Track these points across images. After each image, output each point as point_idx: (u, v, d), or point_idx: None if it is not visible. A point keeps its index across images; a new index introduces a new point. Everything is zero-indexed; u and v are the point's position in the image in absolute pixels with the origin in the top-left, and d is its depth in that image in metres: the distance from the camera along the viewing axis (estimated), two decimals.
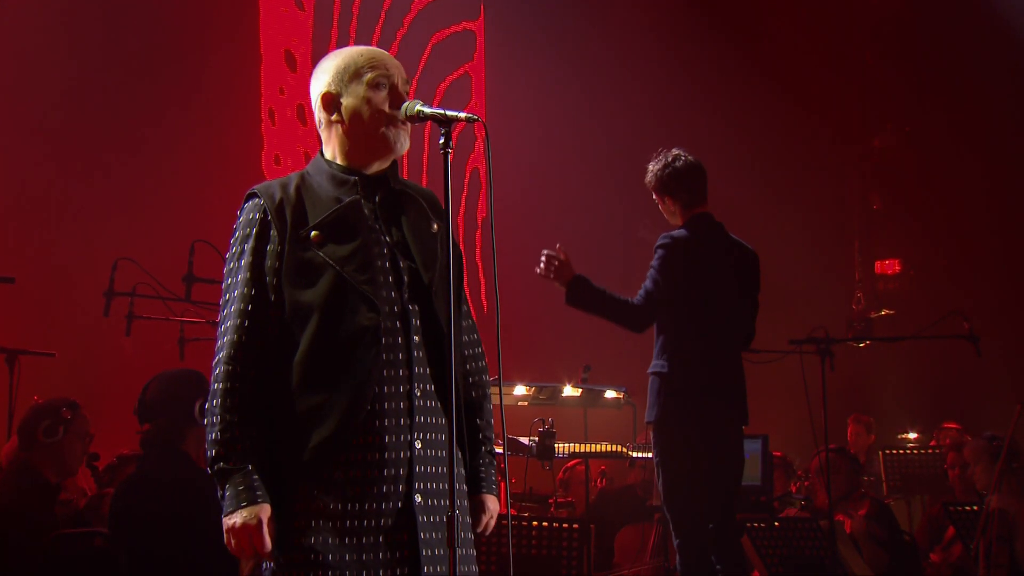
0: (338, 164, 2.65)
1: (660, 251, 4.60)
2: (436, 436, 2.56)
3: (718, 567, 4.49)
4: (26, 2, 7.41)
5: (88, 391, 6.00)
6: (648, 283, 4.56)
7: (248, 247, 2.55)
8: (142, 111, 7.79)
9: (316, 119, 2.72)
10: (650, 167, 4.77)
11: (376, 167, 2.67)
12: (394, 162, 2.73)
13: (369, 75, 2.64)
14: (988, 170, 9.82)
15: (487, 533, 2.74)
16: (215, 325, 5.72)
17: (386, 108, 2.63)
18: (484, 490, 2.72)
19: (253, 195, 2.61)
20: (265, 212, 2.56)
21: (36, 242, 7.36)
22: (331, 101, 2.66)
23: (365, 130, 2.64)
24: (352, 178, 2.63)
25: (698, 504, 4.48)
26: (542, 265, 4.56)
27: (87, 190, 7.55)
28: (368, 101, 2.63)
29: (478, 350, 2.81)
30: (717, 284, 4.61)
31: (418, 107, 2.60)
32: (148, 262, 5.47)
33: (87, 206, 7.52)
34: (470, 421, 2.72)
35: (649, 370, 4.63)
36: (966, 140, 9.87)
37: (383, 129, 2.63)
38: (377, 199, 2.64)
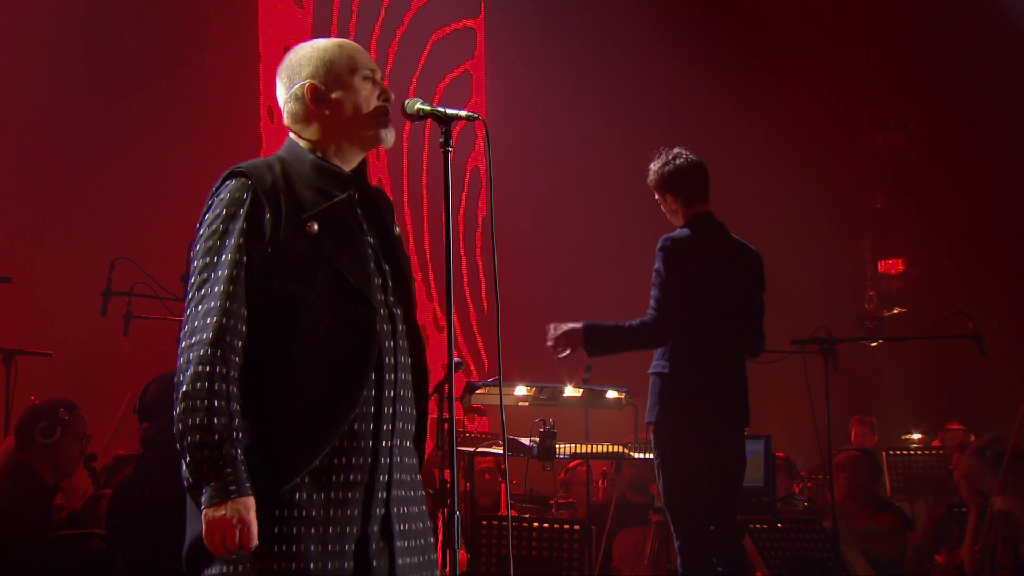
0: (322, 158, 2.59)
1: (661, 254, 4.56)
2: (406, 443, 2.53)
3: (720, 569, 4.46)
4: (27, 3, 7.38)
5: (86, 391, 5.97)
6: (656, 293, 4.52)
7: (236, 227, 2.41)
8: (141, 110, 7.78)
9: (290, 111, 2.64)
10: (651, 166, 4.76)
11: (355, 161, 2.63)
12: (363, 159, 2.69)
13: (364, 68, 2.62)
14: (993, 169, 9.78)
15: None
16: None
17: (377, 102, 2.61)
18: None
19: (239, 174, 2.49)
20: (256, 193, 2.44)
21: (33, 241, 7.33)
22: (318, 93, 2.60)
23: (357, 123, 2.59)
24: (345, 171, 2.58)
25: (699, 505, 4.46)
26: (552, 347, 4.58)
27: (85, 189, 7.53)
28: (365, 96, 2.60)
29: None
30: (718, 284, 4.58)
31: (418, 105, 2.60)
32: (146, 262, 5.44)
33: (84, 205, 7.49)
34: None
35: (650, 370, 4.60)
36: (971, 138, 9.84)
37: (375, 122, 2.60)
38: (357, 196, 2.60)
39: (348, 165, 2.61)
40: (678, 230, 4.66)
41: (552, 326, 4.61)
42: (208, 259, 2.40)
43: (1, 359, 5.32)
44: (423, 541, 2.52)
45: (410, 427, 2.54)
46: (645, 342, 4.57)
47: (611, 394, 6.07)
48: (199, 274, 2.41)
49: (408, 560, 2.45)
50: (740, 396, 4.60)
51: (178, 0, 8.15)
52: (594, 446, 5.61)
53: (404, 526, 2.47)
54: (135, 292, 5.44)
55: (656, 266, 4.57)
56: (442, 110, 2.55)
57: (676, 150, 4.73)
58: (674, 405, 4.48)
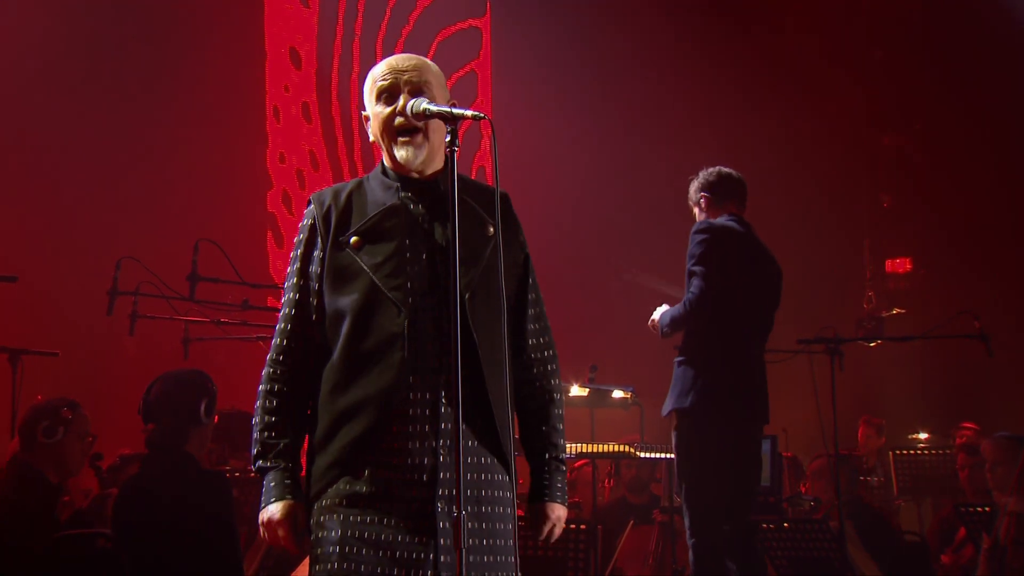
0: (391, 171, 2.69)
1: (699, 236, 4.56)
2: (465, 443, 2.52)
3: (732, 566, 4.45)
4: (32, 2, 7.38)
5: (91, 390, 5.97)
6: (697, 280, 4.53)
7: (299, 253, 2.65)
8: (147, 109, 7.77)
9: None
10: (693, 179, 4.83)
11: (417, 174, 2.67)
12: (448, 163, 2.69)
13: (377, 88, 2.66)
14: (999, 167, 9.74)
15: (552, 540, 2.74)
16: (219, 324, 5.73)
17: (389, 120, 2.63)
18: (546, 497, 2.71)
19: (309, 202, 2.70)
20: (314, 219, 2.65)
21: (39, 240, 7.33)
22: (367, 121, 2.73)
23: (384, 145, 2.67)
24: (396, 184, 2.66)
25: (716, 503, 4.46)
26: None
27: (91, 188, 7.53)
28: (377, 117, 2.66)
29: (547, 353, 2.78)
30: (750, 279, 4.59)
31: (424, 105, 2.58)
32: (152, 261, 5.43)
33: (91, 204, 7.49)
34: (534, 428, 2.72)
35: (677, 359, 4.58)
36: (976, 137, 9.80)
37: (389, 142, 2.64)
38: (426, 203, 2.65)
39: (419, 175, 2.66)
40: (717, 219, 4.67)
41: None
42: (285, 284, 2.68)
43: (7, 358, 5.31)
44: (482, 541, 2.53)
45: (464, 426, 2.51)
46: (688, 323, 4.64)
47: (617, 393, 6.06)
48: (282, 299, 2.70)
49: (450, 559, 2.46)
50: (763, 394, 4.61)
51: (184, 1, 8.15)
52: (600, 445, 5.60)
53: (449, 525, 2.48)
54: (141, 292, 5.43)
55: (691, 250, 4.56)
56: (448, 110, 2.53)
57: (720, 167, 4.85)
58: (700, 399, 4.47)
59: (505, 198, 2.75)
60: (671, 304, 4.75)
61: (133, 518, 4.01)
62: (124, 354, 6.62)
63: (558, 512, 2.73)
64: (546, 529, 2.71)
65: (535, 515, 2.71)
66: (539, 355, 2.75)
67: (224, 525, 3.99)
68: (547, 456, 2.72)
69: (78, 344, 6.55)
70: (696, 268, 4.53)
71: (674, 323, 4.66)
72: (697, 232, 4.58)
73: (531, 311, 2.76)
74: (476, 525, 2.51)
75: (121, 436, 5.77)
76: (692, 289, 4.53)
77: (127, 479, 4.54)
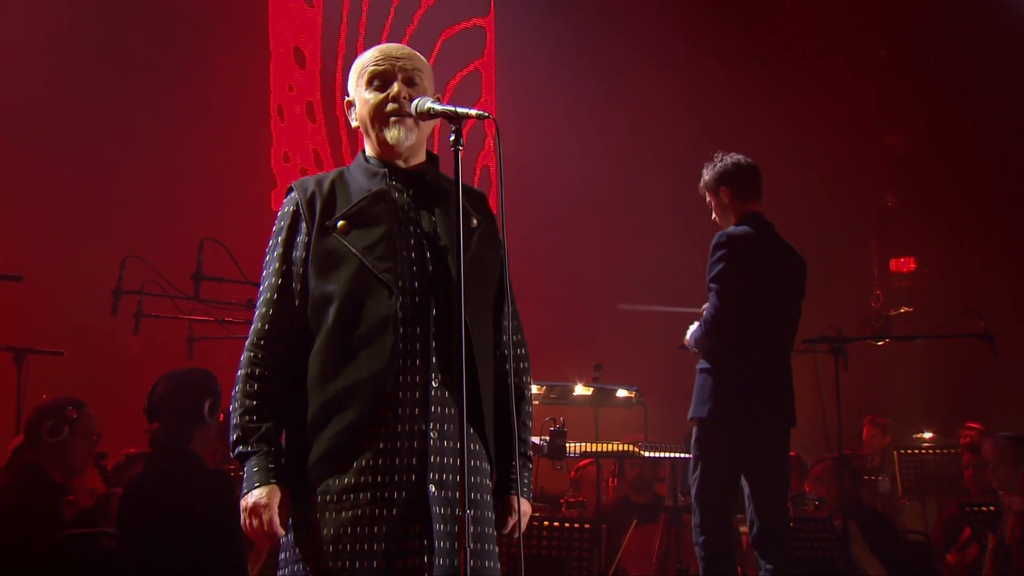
0: (374, 159, 2.70)
1: (719, 252, 4.56)
2: (452, 428, 2.53)
3: (769, 567, 4.46)
4: (37, 1, 7.39)
5: (96, 390, 5.98)
6: (713, 297, 4.57)
7: (280, 239, 2.62)
8: (151, 109, 7.78)
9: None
10: (706, 166, 4.81)
11: (402, 163, 2.69)
12: (434, 157, 2.75)
13: (368, 73, 2.67)
14: (1003, 166, 9.72)
15: (515, 536, 2.72)
16: (223, 324, 5.73)
17: (380, 105, 2.64)
18: (512, 491, 2.71)
19: (290, 190, 2.68)
20: (297, 205, 2.62)
21: (44, 240, 7.34)
22: (349, 108, 2.74)
23: (369, 131, 2.68)
24: (382, 170, 2.67)
25: (730, 504, 4.48)
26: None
27: (95, 188, 7.53)
28: (367, 103, 2.67)
29: (520, 351, 2.80)
30: (771, 284, 4.60)
31: (428, 104, 2.59)
32: (157, 260, 5.45)
33: (95, 204, 7.50)
34: (503, 422, 2.69)
35: (698, 366, 4.60)
36: (981, 136, 9.78)
37: (379, 127, 2.65)
38: (411, 192, 2.66)
39: (404, 164, 2.68)
40: (733, 227, 4.67)
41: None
42: (264, 271, 2.64)
43: (12, 358, 5.33)
44: (472, 529, 2.51)
45: (452, 411, 2.53)
46: (709, 340, 4.64)
47: (621, 392, 6.07)
48: (260, 285, 2.66)
49: (447, 544, 2.46)
50: (787, 397, 4.62)
51: (189, 0, 8.16)
52: (604, 444, 5.60)
53: (442, 509, 2.48)
54: (146, 291, 5.44)
55: (709, 264, 4.58)
56: (453, 109, 2.53)
57: (734, 154, 4.79)
58: (723, 404, 4.48)
59: (483, 197, 2.78)
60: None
61: (137, 517, 4.01)
62: (128, 353, 6.62)
63: (524, 507, 2.73)
64: (511, 523, 2.71)
65: (500, 509, 2.69)
66: (514, 351, 2.77)
67: (228, 524, 3.98)
68: (516, 451, 2.71)
69: (83, 343, 6.56)
70: (713, 285, 4.57)
71: (699, 343, 4.70)
72: (716, 247, 4.60)
73: (509, 307, 2.76)
74: (472, 513, 2.50)
75: (126, 435, 5.77)
76: (708, 307, 4.58)
77: (131, 478, 4.55)
